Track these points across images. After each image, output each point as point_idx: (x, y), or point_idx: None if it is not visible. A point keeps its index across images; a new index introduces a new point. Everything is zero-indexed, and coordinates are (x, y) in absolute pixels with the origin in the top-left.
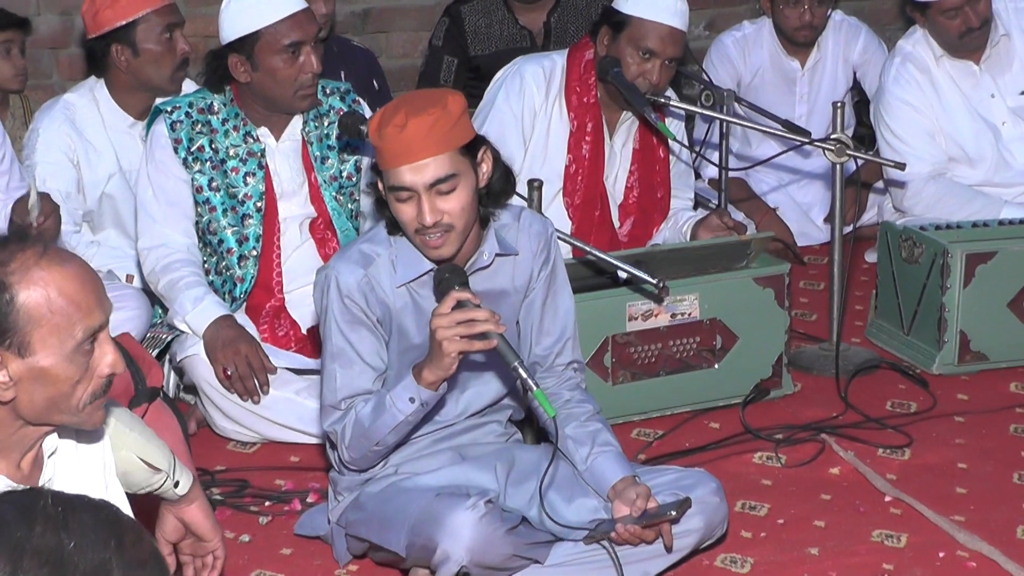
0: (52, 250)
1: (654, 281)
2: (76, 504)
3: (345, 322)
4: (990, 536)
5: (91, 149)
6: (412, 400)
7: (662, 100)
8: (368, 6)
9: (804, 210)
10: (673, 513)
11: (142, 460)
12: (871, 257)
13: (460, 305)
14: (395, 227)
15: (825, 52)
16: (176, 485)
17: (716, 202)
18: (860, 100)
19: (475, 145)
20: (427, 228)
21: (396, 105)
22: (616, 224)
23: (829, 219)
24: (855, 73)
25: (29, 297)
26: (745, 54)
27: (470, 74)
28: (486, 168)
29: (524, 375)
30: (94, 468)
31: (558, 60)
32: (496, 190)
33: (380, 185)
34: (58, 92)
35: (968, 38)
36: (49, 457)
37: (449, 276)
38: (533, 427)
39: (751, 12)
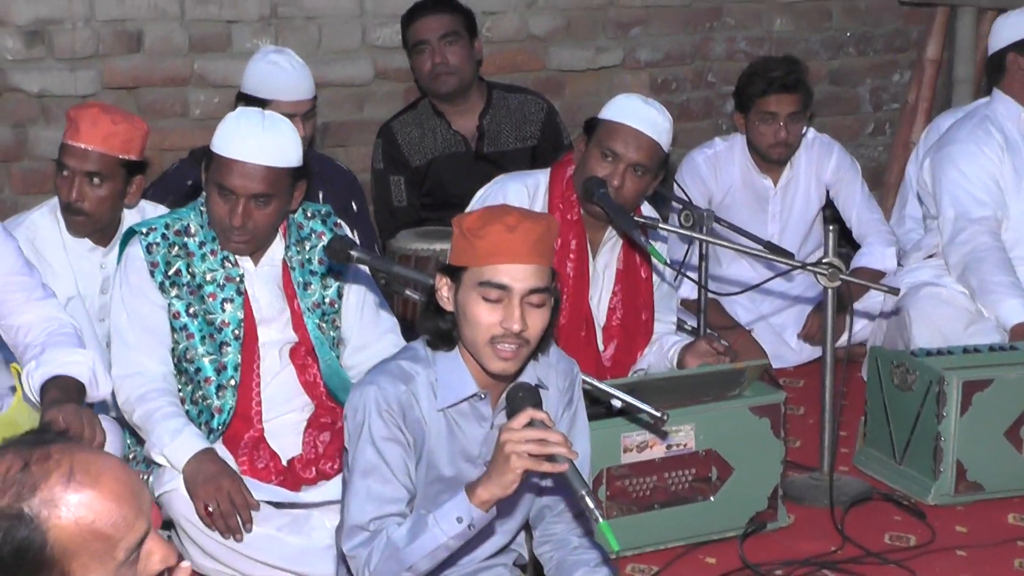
0: (79, 464)
1: (659, 414)
2: None
3: (381, 437)
4: None
5: (49, 270)
6: (460, 520)
7: (650, 223)
8: (327, 120)
9: (777, 331)
10: None
11: None
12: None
13: (532, 424)
14: (440, 341)
15: (798, 170)
16: None
17: (692, 324)
18: (833, 217)
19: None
20: (507, 336)
21: (500, 208)
22: (600, 347)
23: (807, 339)
24: (827, 191)
25: (62, 531)
26: (717, 172)
27: (422, 191)
28: (553, 302)
29: (591, 505)
30: None
31: (541, 178)
32: (548, 332)
33: (445, 288)
34: (10, 207)
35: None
36: None
37: (524, 395)
38: (534, 571)
39: (714, 127)
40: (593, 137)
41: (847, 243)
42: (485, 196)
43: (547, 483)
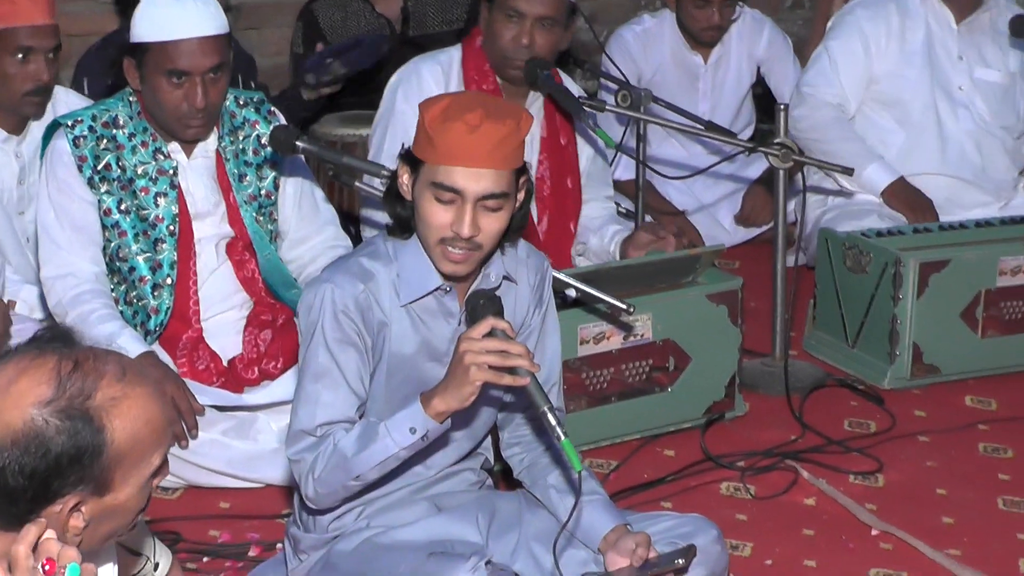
0: (128, 364)
1: (624, 306)
2: None
3: (334, 340)
4: (992, 572)
5: None
6: (413, 431)
7: (596, 106)
8: (241, 0)
9: (711, 212)
10: (680, 561)
11: (123, 546)
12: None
13: (492, 334)
14: (402, 228)
15: (729, 47)
16: (156, 568)
17: (627, 207)
18: (763, 94)
19: (521, 171)
20: (457, 240)
21: (470, 100)
22: (535, 219)
23: (743, 221)
24: (759, 68)
25: (122, 433)
26: (646, 49)
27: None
28: (520, 198)
29: (554, 422)
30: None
31: (455, 54)
32: (515, 226)
33: (405, 176)
34: None
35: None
36: None
37: (485, 303)
38: (501, 472)
39: (633, 3)
40: (494, 4)
41: (768, 118)
42: (399, 80)
43: (509, 397)
